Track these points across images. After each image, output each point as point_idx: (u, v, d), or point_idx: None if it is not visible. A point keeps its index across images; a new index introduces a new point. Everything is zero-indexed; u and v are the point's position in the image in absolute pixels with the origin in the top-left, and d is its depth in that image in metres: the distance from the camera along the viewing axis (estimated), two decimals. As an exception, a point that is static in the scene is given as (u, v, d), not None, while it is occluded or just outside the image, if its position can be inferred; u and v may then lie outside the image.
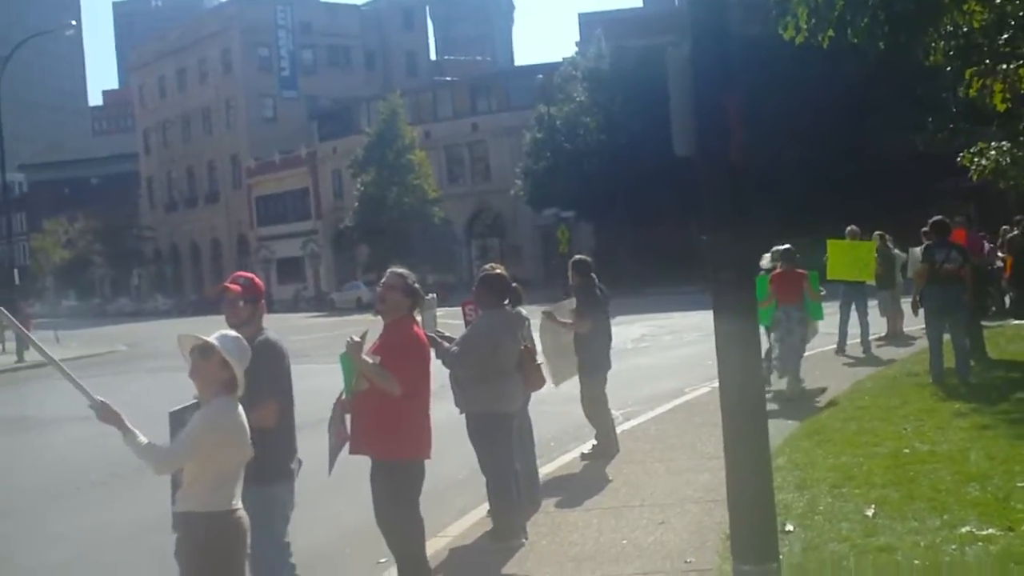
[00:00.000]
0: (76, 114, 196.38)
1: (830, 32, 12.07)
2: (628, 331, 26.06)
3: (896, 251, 20.04)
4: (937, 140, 32.20)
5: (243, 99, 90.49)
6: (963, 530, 7.06)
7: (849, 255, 17.67)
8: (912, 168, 42.57)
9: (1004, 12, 13.70)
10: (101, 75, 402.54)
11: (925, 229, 15.30)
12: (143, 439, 5.03)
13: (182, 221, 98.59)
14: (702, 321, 23.89)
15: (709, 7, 5.81)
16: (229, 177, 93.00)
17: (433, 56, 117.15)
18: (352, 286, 68.84)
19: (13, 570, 9.24)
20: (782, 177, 40.68)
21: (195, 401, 5.29)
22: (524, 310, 8.77)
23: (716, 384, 6.17)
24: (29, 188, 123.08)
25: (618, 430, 11.99)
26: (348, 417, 6.83)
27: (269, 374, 5.94)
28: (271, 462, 5.76)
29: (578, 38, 74.38)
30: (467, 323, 9.22)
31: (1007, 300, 20.76)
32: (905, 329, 19.92)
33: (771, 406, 12.79)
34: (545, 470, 10.62)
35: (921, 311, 14.42)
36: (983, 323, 16.73)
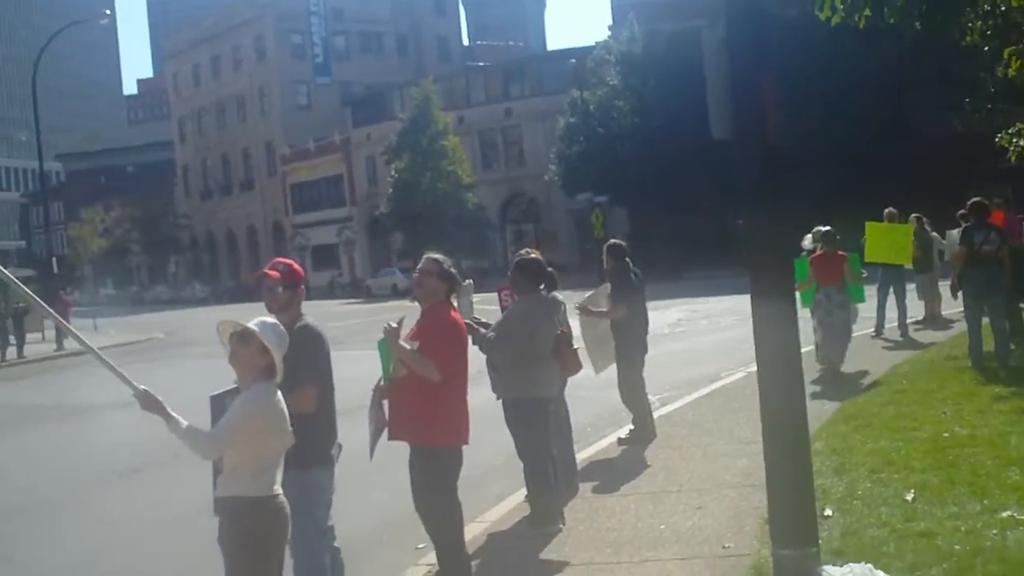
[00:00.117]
0: (111, 103, 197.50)
1: (866, 12, 11.93)
2: (664, 316, 26.00)
3: (933, 234, 19.86)
4: (975, 121, 31.82)
5: (277, 86, 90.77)
6: (1004, 515, 6.99)
7: (886, 238, 17.52)
8: (949, 149, 42.14)
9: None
10: (136, 64, 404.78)
11: (962, 211, 15.14)
12: (185, 424, 5.08)
13: (217, 208, 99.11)
14: (737, 305, 23.83)
15: (745, -11, 5.76)
16: (264, 164, 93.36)
17: (465, 41, 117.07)
18: (387, 272, 68.91)
19: (58, 555, 9.36)
20: (818, 159, 40.39)
21: (235, 386, 5.32)
22: (560, 295, 8.77)
23: (753, 368, 6.15)
24: (66, 177, 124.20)
25: (655, 415, 11.98)
26: (385, 403, 6.85)
27: (308, 359, 5.96)
28: (311, 447, 5.79)
29: (611, 21, 74.08)
30: (503, 309, 9.22)
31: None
32: (943, 312, 19.75)
33: (813, 388, 12.74)
34: (582, 455, 10.62)
35: (960, 294, 14.29)
36: (1022, 305, 16.55)
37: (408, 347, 6.62)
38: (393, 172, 66.27)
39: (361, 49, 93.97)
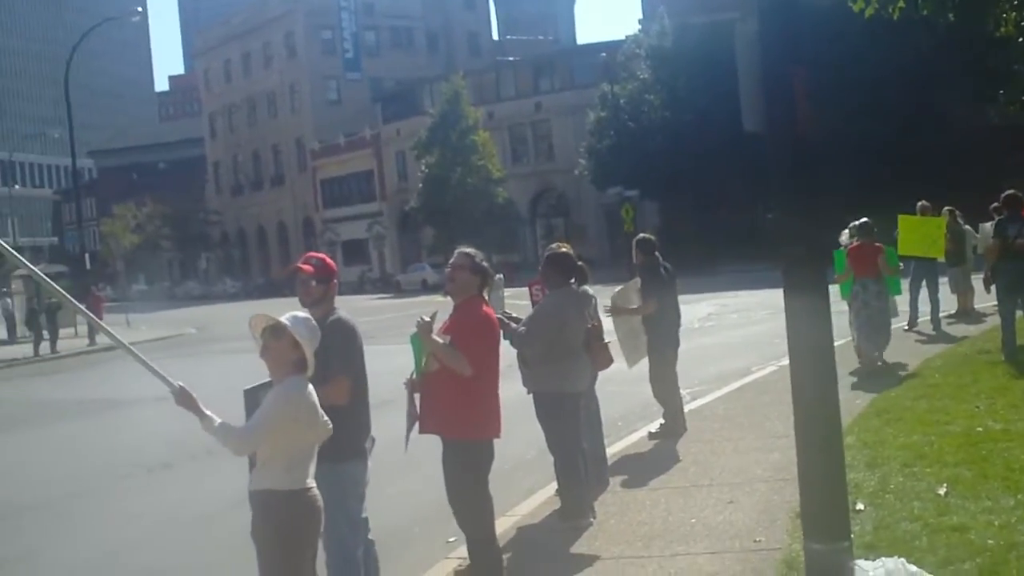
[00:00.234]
0: (143, 100, 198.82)
1: (900, 3, 11.86)
2: (695, 310, 25.94)
3: (966, 227, 19.72)
4: (1009, 113, 31.56)
5: (307, 82, 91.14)
6: (1038, 509, 6.95)
7: (919, 231, 17.39)
8: (983, 142, 41.81)
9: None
10: (167, 61, 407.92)
11: (995, 204, 15.02)
12: (218, 421, 5.12)
13: (248, 204, 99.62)
14: (768, 299, 23.75)
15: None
16: (294, 160, 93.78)
17: (495, 36, 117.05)
18: (417, 267, 69.13)
19: (91, 548, 9.44)
20: (851, 152, 40.17)
21: (269, 380, 5.35)
22: (590, 289, 8.76)
23: (784, 363, 6.12)
24: (99, 174, 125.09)
25: (685, 409, 11.97)
26: (417, 397, 6.88)
27: (341, 352, 5.98)
28: (344, 440, 5.80)
29: (641, 15, 73.88)
30: (534, 303, 9.23)
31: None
32: (976, 306, 19.61)
33: (848, 381, 12.68)
34: (613, 449, 10.63)
35: (993, 287, 14.19)
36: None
37: (440, 341, 6.63)
38: (423, 167, 66.40)
39: (391, 44, 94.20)
